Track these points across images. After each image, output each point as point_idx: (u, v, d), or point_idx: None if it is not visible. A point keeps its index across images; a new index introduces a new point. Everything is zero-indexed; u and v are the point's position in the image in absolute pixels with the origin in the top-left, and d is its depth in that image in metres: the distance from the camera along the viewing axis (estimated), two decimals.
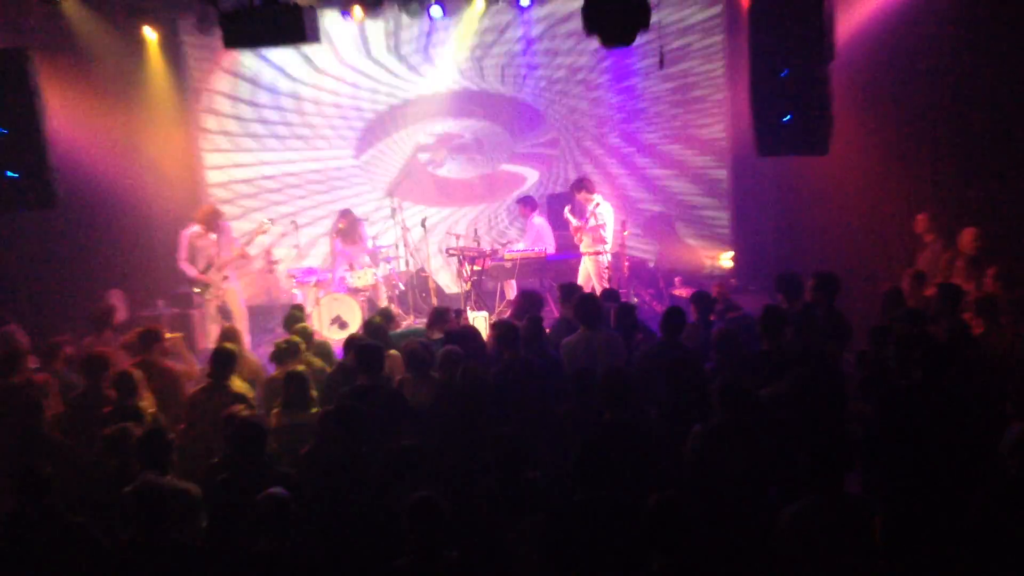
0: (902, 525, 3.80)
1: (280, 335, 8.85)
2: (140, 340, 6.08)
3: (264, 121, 11.29)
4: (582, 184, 9.29)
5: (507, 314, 8.24)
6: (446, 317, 6.48)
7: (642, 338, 6.04)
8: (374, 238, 10.35)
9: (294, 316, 6.91)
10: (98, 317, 7.10)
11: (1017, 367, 5.08)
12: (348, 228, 9.71)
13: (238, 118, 11.25)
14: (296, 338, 6.15)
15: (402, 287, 10.05)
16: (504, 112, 11.35)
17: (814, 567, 3.51)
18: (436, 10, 10.18)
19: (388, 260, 10.09)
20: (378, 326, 6.42)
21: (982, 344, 5.41)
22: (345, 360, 5.88)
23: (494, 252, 9.66)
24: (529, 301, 6.61)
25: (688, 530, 3.25)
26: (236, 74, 11.09)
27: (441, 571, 3.49)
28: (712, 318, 6.23)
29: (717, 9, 10.55)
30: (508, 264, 9.44)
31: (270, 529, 3.66)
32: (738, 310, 6.77)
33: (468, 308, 8.99)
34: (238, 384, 5.51)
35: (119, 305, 8.90)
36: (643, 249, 11.06)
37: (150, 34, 10.12)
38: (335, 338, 8.15)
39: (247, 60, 10.99)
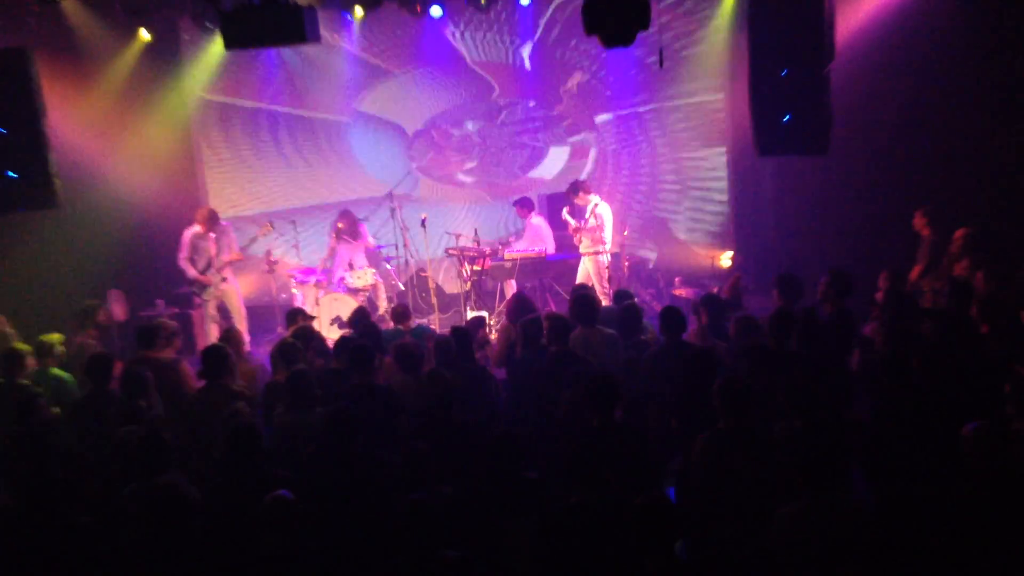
0: (896, 527, 3.79)
1: (280, 335, 8.89)
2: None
3: (264, 120, 11.30)
4: (578, 186, 9.25)
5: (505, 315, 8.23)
6: (408, 313, 6.84)
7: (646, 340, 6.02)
8: (374, 236, 10.32)
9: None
10: (82, 315, 7.13)
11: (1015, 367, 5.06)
12: (347, 228, 9.70)
13: (236, 117, 11.25)
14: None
15: (402, 287, 10.04)
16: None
17: (807, 569, 3.48)
18: (436, 9, 10.18)
19: (388, 260, 10.08)
20: (372, 325, 6.44)
21: (984, 344, 5.39)
22: (337, 362, 5.82)
23: (494, 252, 9.65)
24: (519, 305, 6.55)
25: (675, 531, 3.23)
26: (236, 72, 11.09)
27: (440, 572, 3.49)
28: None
29: (717, 9, 10.54)
30: (508, 264, 9.43)
31: (274, 532, 3.65)
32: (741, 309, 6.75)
33: (468, 308, 8.98)
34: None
35: (119, 305, 8.93)
36: (643, 249, 11.05)
37: (149, 34, 10.11)
38: (335, 338, 8.13)
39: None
